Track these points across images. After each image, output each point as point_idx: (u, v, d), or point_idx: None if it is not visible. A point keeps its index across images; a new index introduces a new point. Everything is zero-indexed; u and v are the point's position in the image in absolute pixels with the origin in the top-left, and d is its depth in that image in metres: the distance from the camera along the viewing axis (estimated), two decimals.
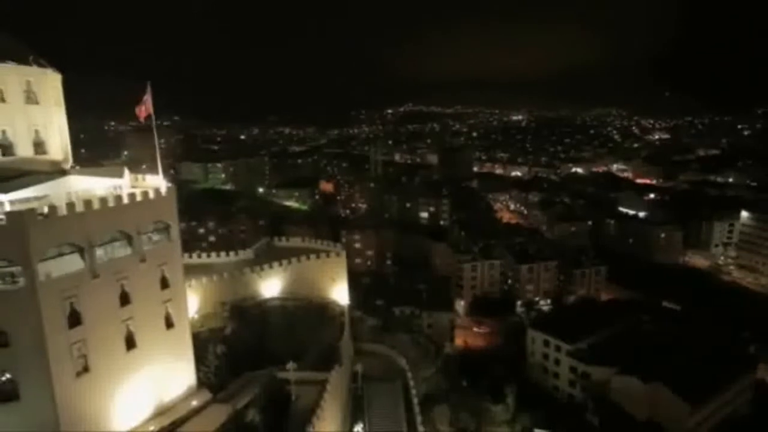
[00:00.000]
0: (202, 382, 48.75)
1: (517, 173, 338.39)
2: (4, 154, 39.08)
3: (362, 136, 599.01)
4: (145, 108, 43.75)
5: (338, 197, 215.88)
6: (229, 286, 60.16)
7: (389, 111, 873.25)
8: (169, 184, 44.69)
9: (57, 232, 34.37)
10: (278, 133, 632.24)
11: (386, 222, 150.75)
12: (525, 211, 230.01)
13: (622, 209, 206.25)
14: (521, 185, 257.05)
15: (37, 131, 41.37)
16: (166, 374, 44.16)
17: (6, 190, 35.34)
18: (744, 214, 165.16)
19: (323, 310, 66.74)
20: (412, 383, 57.64)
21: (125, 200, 39.04)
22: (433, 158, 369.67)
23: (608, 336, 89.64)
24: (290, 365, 49.22)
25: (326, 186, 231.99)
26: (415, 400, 55.09)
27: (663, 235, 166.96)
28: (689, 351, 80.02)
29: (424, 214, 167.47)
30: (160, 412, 43.64)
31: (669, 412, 67.97)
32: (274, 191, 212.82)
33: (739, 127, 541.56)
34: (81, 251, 36.34)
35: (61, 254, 35.12)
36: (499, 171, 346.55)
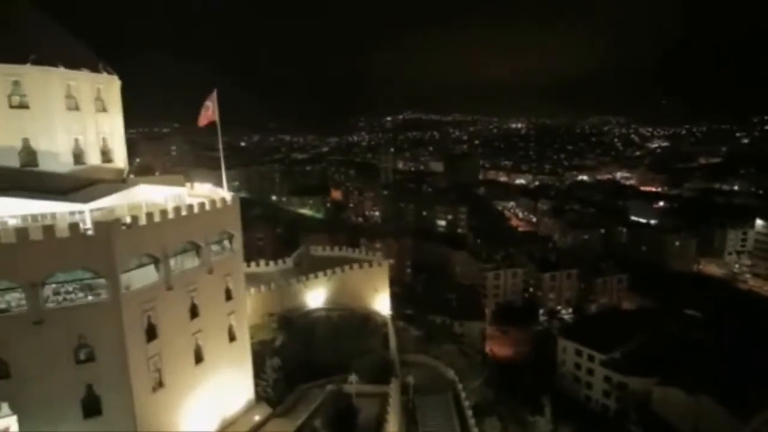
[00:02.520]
0: (260, 396, 47.63)
1: (521, 181, 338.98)
2: (76, 163, 38.14)
3: (363, 143, 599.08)
4: (208, 115, 42.93)
5: (349, 205, 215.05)
6: (277, 296, 59.13)
7: (388, 119, 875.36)
8: (233, 194, 43.82)
9: (138, 243, 33.44)
10: (279, 141, 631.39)
11: (404, 230, 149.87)
12: (534, 219, 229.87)
13: (633, 217, 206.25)
14: (529, 193, 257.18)
15: (104, 139, 40.51)
16: (227, 388, 43.09)
17: (86, 200, 34.38)
18: (759, 222, 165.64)
19: (366, 320, 65.78)
20: (463, 395, 56.59)
21: (196, 210, 38.12)
22: (436, 166, 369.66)
23: (640, 345, 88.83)
24: (352, 378, 48.16)
25: (335, 194, 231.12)
26: (470, 413, 54.00)
27: (677, 243, 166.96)
28: (727, 360, 79.19)
29: (442, 222, 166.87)
30: (224, 427, 42.51)
31: (715, 425, 67.02)
32: (284, 199, 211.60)
33: (738, 135, 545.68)
34: (156, 262, 35.38)
35: (140, 265, 34.16)
36: (503, 179, 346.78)
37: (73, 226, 30.66)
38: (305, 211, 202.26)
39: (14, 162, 35.57)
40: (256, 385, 47.27)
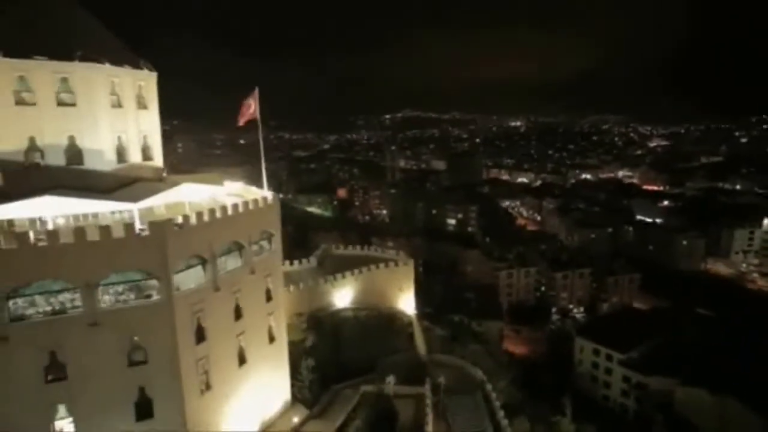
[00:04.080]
0: (295, 397, 47.18)
1: (523, 179, 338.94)
2: (119, 161, 37.52)
3: (363, 141, 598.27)
4: (250, 113, 42.32)
5: (354, 203, 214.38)
6: (305, 296, 58.57)
7: (387, 117, 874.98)
8: (273, 193, 43.28)
9: (188, 243, 32.89)
10: (279, 138, 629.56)
11: (414, 229, 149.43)
12: (539, 218, 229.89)
13: (638, 216, 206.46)
14: (533, 192, 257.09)
15: (145, 137, 39.89)
16: (266, 390, 42.62)
17: (134, 199, 33.79)
18: (766, 221, 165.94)
19: (392, 320, 65.36)
20: (494, 395, 56.29)
21: (241, 209, 37.57)
22: (438, 164, 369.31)
23: (658, 344, 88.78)
24: (390, 379, 47.86)
25: (340, 192, 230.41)
26: (501, 413, 53.71)
27: (685, 243, 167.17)
28: (748, 360, 79.10)
29: (452, 221, 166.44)
30: (263, 429, 42.04)
31: (741, 427, 66.87)
32: (290, 196, 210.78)
33: (737, 134, 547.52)
34: (204, 263, 34.83)
35: (189, 266, 33.61)
36: (505, 177, 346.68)
37: (128, 227, 30.11)
38: (313, 210, 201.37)
39: (60, 160, 34.98)
40: (292, 386, 46.84)
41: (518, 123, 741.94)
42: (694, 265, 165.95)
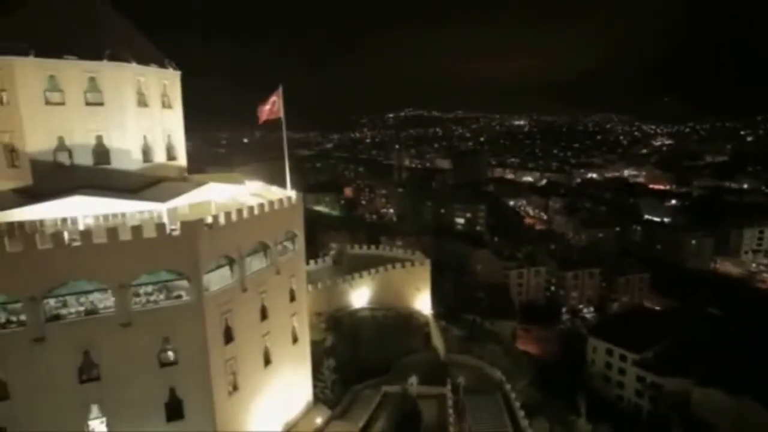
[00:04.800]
0: (317, 398, 47.00)
1: (528, 178, 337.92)
2: (144, 160, 37.34)
3: (367, 140, 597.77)
4: (273, 111, 42.07)
5: (361, 202, 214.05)
6: (324, 296, 58.43)
7: (390, 115, 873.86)
8: (297, 193, 43.06)
9: (218, 243, 32.72)
10: (280, 137, 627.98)
11: (423, 228, 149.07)
12: (545, 217, 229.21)
13: (647, 215, 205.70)
14: (539, 190, 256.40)
15: (169, 136, 39.70)
16: (289, 390, 42.46)
17: (163, 199, 33.62)
18: None
19: (409, 320, 65.18)
20: (513, 396, 55.99)
21: (267, 209, 37.36)
22: (443, 162, 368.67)
23: (672, 344, 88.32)
24: (413, 379, 47.65)
25: (347, 191, 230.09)
26: (521, 413, 53.40)
27: (693, 242, 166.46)
28: (763, 360, 78.66)
29: (460, 220, 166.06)
30: (287, 429, 41.86)
31: (759, 428, 66.46)
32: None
33: (742, 133, 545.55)
34: (231, 263, 34.64)
35: (218, 266, 33.44)
36: (510, 176, 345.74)
37: (160, 227, 29.93)
38: (321, 209, 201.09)
39: (88, 160, 34.80)
40: (314, 386, 46.66)
41: (522, 122, 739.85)
42: (702, 264, 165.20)
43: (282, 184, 46.56)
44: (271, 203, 37.98)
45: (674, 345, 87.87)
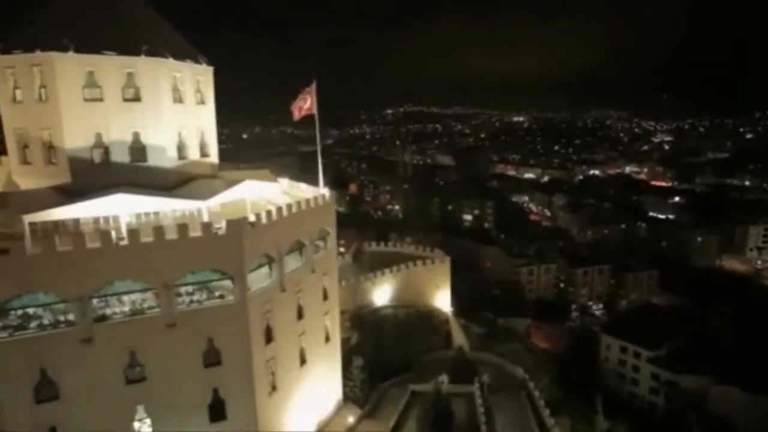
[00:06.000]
0: (346, 397, 46.72)
1: (530, 175, 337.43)
2: (179, 157, 36.78)
3: (367, 136, 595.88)
4: (306, 107, 41.52)
5: (365, 199, 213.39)
6: (347, 294, 57.94)
7: (389, 111, 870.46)
8: (330, 191, 42.57)
9: (260, 242, 32.29)
10: (280, 133, 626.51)
11: (431, 225, 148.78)
12: (549, 214, 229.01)
13: (651, 213, 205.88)
14: (542, 187, 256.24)
15: (202, 132, 39.13)
16: (321, 390, 42.13)
17: (198, 196, 33.15)
18: None
19: (429, 318, 65.01)
20: (537, 394, 55.84)
21: (304, 207, 36.89)
22: (444, 159, 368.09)
23: (685, 341, 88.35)
24: (443, 378, 47.37)
25: (351, 187, 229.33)
26: (546, 412, 53.23)
27: (699, 239, 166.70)
28: None
29: (468, 217, 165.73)
30: (320, 429, 41.57)
31: None
32: None
33: (741, 130, 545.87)
34: (270, 263, 34.21)
35: (259, 266, 33.02)
36: (511, 172, 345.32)
37: (206, 225, 29.46)
38: None
39: (124, 157, 34.23)
40: (344, 385, 46.36)
41: (521, 118, 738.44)
42: (708, 261, 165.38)
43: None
44: (307, 201, 37.47)
45: (687, 342, 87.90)
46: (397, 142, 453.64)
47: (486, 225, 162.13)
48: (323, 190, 41.72)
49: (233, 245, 29.96)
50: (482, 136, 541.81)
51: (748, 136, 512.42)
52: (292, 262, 37.36)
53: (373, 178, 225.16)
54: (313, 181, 44.35)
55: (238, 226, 29.97)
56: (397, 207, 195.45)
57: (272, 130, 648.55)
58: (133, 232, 27.59)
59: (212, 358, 30.77)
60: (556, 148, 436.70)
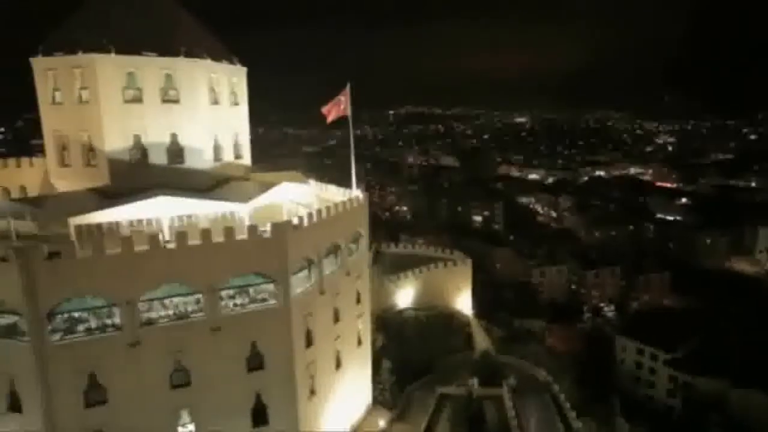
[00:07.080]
0: (376, 399, 46.39)
1: (534, 176, 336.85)
2: (215, 159, 36.51)
3: (369, 137, 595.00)
4: (340, 110, 41.15)
5: (373, 199, 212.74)
6: (372, 296, 57.52)
7: (390, 112, 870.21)
8: (364, 193, 42.25)
9: (302, 245, 31.95)
10: (283, 133, 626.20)
11: (441, 226, 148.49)
12: (555, 215, 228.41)
13: (658, 214, 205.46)
14: (547, 188, 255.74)
15: (236, 134, 38.88)
16: (352, 393, 41.80)
17: (243, 199, 32.85)
18: None
19: (451, 320, 64.74)
20: (562, 397, 55.56)
21: (341, 209, 36.57)
22: (447, 160, 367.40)
23: (701, 343, 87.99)
24: (474, 381, 47.08)
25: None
26: (573, 414, 53.01)
27: (708, 241, 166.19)
28: None
29: (478, 218, 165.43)
30: None
31: None
32: None
33: (744, 131, 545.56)
34: (309, 266, 33.89)
35: (301, 269, 32.70)
36: (515, 173, 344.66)
37: (252, 228, 29.14)
38: None
39: (162, 159, 33.97)
40: (373, 388, 46.04)
41: (523, 119, 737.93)
42: (717, 263, 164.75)
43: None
44: (343, 203, 37.16)
45: (704, 344, 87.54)
46: (400, 143, 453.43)
47: (495, 226, 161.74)
48: (356, 192, 41.38)
49: (278, 248, 29.66)
50: (485, 137, 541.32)
51: (752, 137, 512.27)
52: (329, 265, 37.06)
53: (379, 178, 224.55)
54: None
55: (282, 228, 29.66)
56: (405, 208, 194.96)
57: (274, 131, 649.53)
58: (181, 235, 27.27)
59: (255, 363, 30.47)
60: (560, 149, 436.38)
